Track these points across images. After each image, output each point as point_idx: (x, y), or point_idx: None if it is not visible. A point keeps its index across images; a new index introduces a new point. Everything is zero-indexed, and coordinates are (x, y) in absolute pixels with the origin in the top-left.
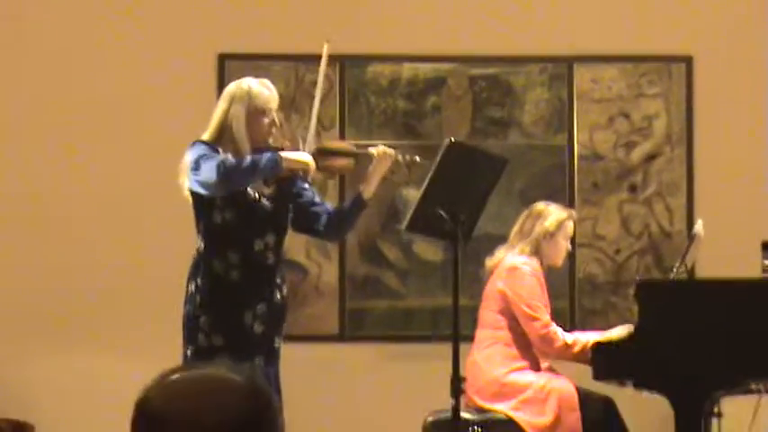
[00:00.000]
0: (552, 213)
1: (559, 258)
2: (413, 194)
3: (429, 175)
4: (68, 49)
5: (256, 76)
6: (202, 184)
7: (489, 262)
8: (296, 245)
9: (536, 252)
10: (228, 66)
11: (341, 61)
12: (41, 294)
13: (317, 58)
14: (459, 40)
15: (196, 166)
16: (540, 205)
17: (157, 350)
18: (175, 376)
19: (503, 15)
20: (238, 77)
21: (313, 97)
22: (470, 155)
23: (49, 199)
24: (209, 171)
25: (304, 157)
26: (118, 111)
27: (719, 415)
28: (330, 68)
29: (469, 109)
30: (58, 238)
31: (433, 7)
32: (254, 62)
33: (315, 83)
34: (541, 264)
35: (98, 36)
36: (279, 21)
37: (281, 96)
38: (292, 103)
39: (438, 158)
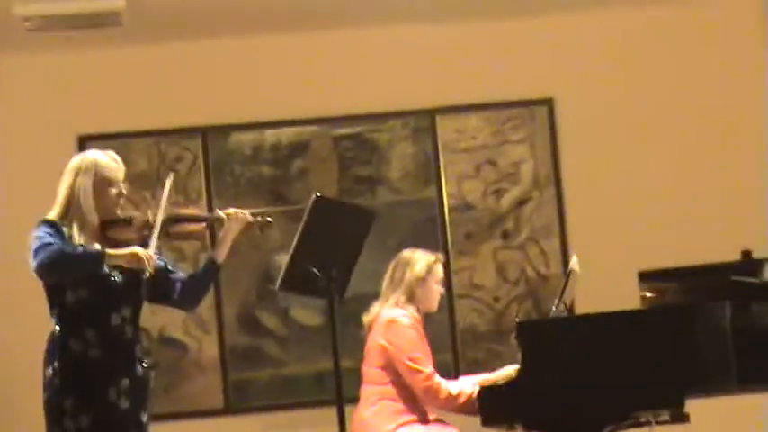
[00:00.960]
0: (420, 259)
1: (434, 303)
2: (286, 260)
3: (298, 232)
4: None
5: (118, 153)
6: (35, 271)
7: (366, 317)
8: (174, 321)
9: (411, 300)
10: (90, 146)
11: (203, 132)
12: None
13: (179, 131)
14: (320, 101)
15: (32, 253)
16: (407, 253)
17: None
18: None
19: (363, 73)
20: None
21: (168, 194)
22: (338, 209)
23: None
24: (35, 260)
25: (134, 249)
26: None
27: None
28: (191, 141)
29: (336, 169)
30: None
31: (291, 71)
32: (115, 141)
33: (178, 157)
34: (418, 310)
35: None
36: (137, 98)
37: (144, 172)
38: (157, 178)
39: (306, 214)
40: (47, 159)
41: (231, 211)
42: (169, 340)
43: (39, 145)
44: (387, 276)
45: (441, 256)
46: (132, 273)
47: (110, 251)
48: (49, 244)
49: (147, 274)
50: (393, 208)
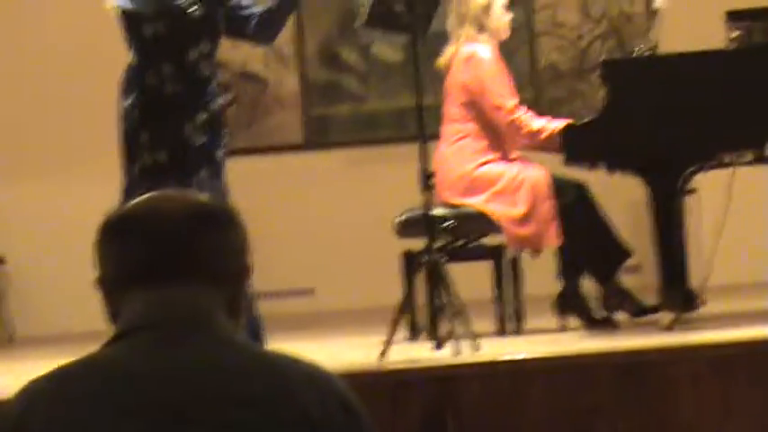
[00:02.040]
0: None
1: (505, 29)
2: None
3: None
4: None
5: None
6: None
7: (442, 60)
8: (254, 55)
9: (480, 31)
10: None
11: None
12: (6, 126)
13: None
14: None
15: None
16: None
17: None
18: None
19: None
20: None
21: None
22: None
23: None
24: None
25: None
26: None
27: (693, 191)
28: None
29: None
30: (22, 70)
31: None
32: None
33: None
34: (491, 40)
35: None
36: None
37: None
38: None
39: None
40: None
41: None
42: (250, 75)
43: None
44: (451, 15)
45: None
46: (210, 6)
47: None
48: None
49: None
50: None
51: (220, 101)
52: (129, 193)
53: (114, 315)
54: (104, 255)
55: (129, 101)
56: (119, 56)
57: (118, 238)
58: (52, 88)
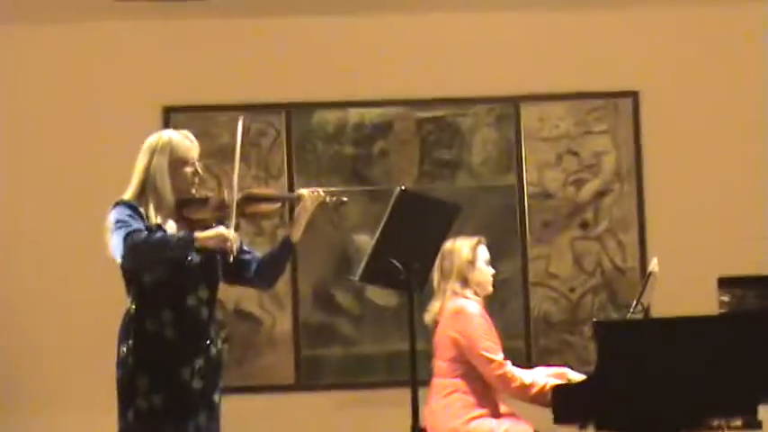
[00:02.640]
0: (463, 244)
1: (487, 285)
2: (365, 240)
3: (381, 225)
4: (14, 100)
5: (201, 126)
6: (119, 257)
7: (428, 316)
8: (249, 295)
9: (465, 285)
10: (174, 118)
11: (287, 109)
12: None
13: (263, 107)
14: (405, 83)
15: (113, 235)
16: (448, 243)
17: (100, 409)
18: None
19: (448, 58)
20: (182, 128)
21: (242, 150)
22: (422, 203)
23: None
24: (117, 245)
25: (220, 231)
26: (61, 161)
27: None
28: (274, 116)
29: (417, 152)
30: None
31: (376, 53)
32: (199, 113)
33: (261, 132)
34: (476, 295)
35: (44, 88)
36: (223, 72)
37: (227, 146)
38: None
39: (389, 208)
40: (132, 129)
41: (305, 190)
42: (244, 314)
43: (124, 115)
44: (436, 271)
45: (482, 238)
46: (209, 254)
47: (199, 234)
48: (136, 230)
49: (232, 258)
50: (473, 193)
51: (219, 345)
52: None
53: None
54: None
55: (125, 347)
56: (113, 298)
57: None
58: (51, 327)
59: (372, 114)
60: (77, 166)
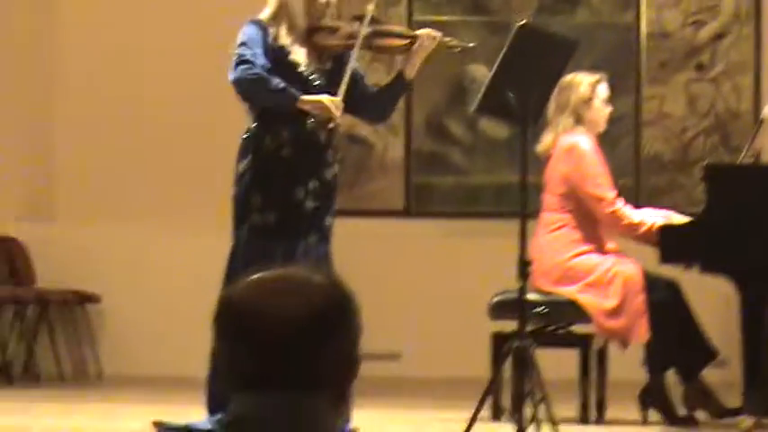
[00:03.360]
0: (583, 80)
1: (602, 122)
2: (480, 72)
3: (499, 58)
4: None
5: None
6: (230, 81)
7: (540, 147)
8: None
9: (578, 122)
10: None
11: None
12: (107, 169)
13: None
14: None
15: (233, 63)
16: (569, 77)
17: (217, 225)
18: (258, 275)
19: None
20: None
21: None
22: (540, 37)
23: (115, 83)
24: (233, 70)
25: (323, 99)
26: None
27: None
28: None
29: None
30: (124, 117)
31: None
32: None
33: None
34: (590, 133)
35: None
36: None
37: None
38: None
39: (508, 41)
40: None
41: (426, 30)
42: (357, 138)
43: None
44: (552, 103)
45: (604, 75)
46: (333, 76)
47: (304, 97)
48: (253, 64)
49: (332, 125)
50: (591, 29)
51: (335, 169)
52: (235, 253)
53: (225, 376)
54: (220, 345)
55: (243, 164)
56: (224, 109)
57: (232, 338)
58: (159, 135)
59: None
60: None
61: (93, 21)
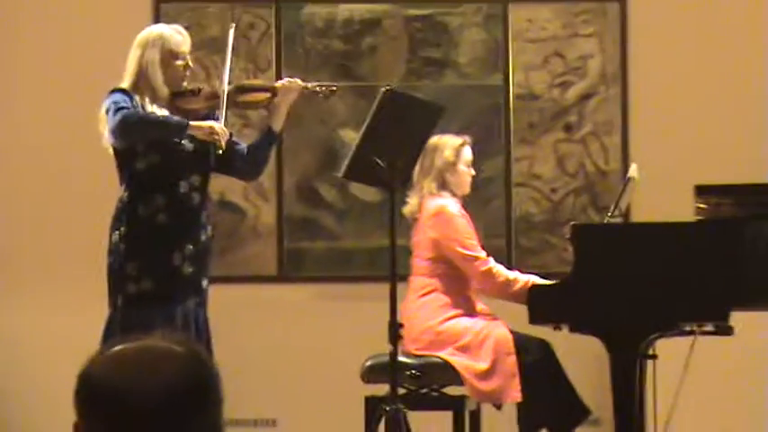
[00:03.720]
0: (447, 143)
1: (466, 186)
2: (350, 136)
3: (365, 124)
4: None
5: (191, 17)
6: (110, 132)
7: (406, 210)
8: (234, 186)
9: (443, 186)
10: (164, 9)
11: (276, 3)
12: None
13: None
14: None
15: (109, 115)
16: (434, 139)
17: (83, 298)
18: (117, 347)
19: None
20: (173, 20)
21: (232, 47)
22: (407, 102)
23: None
24: (113, 121)
25: (211, 124)
26: (53, 56)
27: (654, 356)
28: (264, 9)
29: (405, 49)
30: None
31: None
32: (189, 4)
33: (251, 25)
34: (454, 195)
35: None
36: None
37: (216, 38)
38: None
39: (374, 106)
40: (122, 20)
41: (286, 80)
42: (228, 205)
43: (114, 6)
44: (417, 166)
45: (468, 138)
46: (203, 141)
47: (193, 123)
48: (128, 108)
49: (220, 151)
50: (459, 92)
51: (209, 231)
52: (110, 325)
53: None
54: (81, 422)
55: (117, 234)
56: (107, 180)
57: (91, 416)
58: (32, 203)
59: (362, 10)
60: (70, 58)
61: None
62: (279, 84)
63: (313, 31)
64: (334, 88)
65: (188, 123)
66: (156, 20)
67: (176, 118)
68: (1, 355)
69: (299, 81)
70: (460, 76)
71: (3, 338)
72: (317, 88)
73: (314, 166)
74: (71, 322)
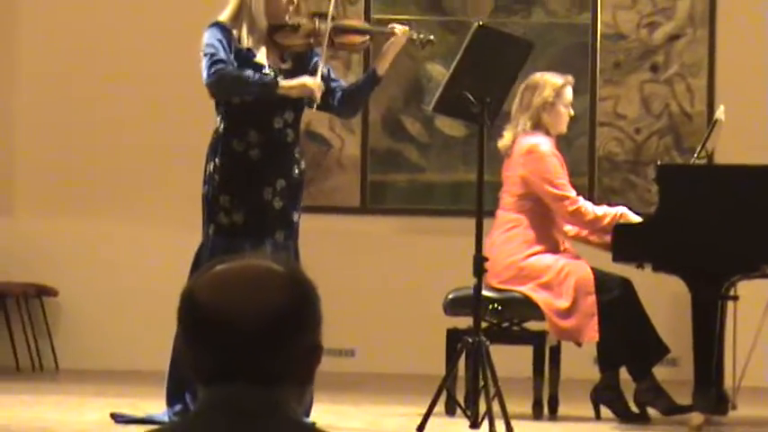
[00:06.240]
0: (548, 82)
1: (562, 126)
2: (437, 70)
3: (456, 58)
4: None
5: None
6: (204, 83)
7: (501, 143)
8: (319, 118)
9: (538, 123)
10: None
11: None
12: (64, 163)
13: None
14: None
15: (204, 63)
16: (536, 76)
17: (176, 221)
18: (219, 269)
19: None
20: None
21: None
22: (497, 38)
23: (76, 75)
24: (207, 74)
25: (305, 80)
26: None
27: (735, 298)
28: None
29: None
30: (83, 111)
31: None
32: None
33: None
34: (548, 133)
35: None
36: None
37: None
38: None
39: (465, 42)
40: None
41: (396, 26)
42: (314, 135)
43: None
44: (516, 99)
45: (570, 78)
46: (298, 76)
47: (283, 83)
48: (225, 62)
49: (315, 107)
50: (546, 30)
51: (301, 167)
52: (202, 250)
53: (190, 369)
54: (184, 339)
55: (212, 165)
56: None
57: (194, 333)
58: (117, 131)
59: None
60: None
61: (53, 18)
62: (391, 28)
63: None
64: (432, 38)
65: (277, 83)
66: None
67: (267, 78)
68: (83, 270)
69: (407, 28)
70: (548, 13)
71: (104, 262)
72: (421, 39)
73: (400, 99)
74: (149, 241)
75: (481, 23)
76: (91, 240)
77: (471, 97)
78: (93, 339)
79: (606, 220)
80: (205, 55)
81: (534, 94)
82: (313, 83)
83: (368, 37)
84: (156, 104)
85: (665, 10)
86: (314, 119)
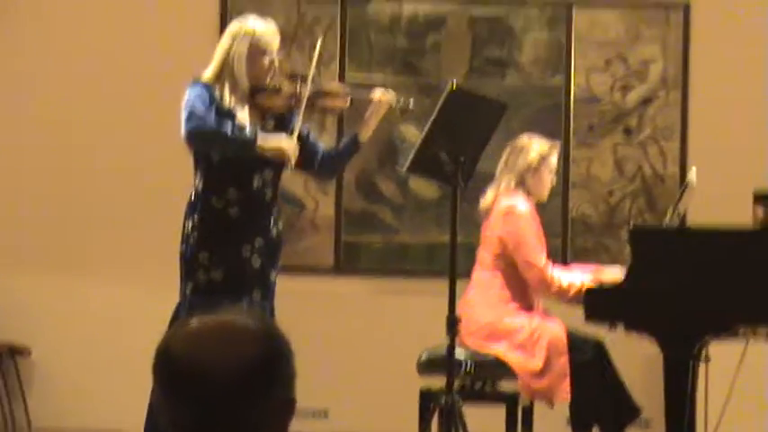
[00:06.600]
0: (534, 147)
1: (544, 193)
2: (410, 131)
3: (430, 119)
4: None
5: (259, 10)
6: (183, 137)
7: (483, 203)
8: (293, 179)
9: (520, 186)
10: (231, 0)
11: None
12: (40, 219)
13: None
14: None
15: (184, 116)
16: (524, 139)
17: (152, 280)
18: (194, 324)
19: None
20: (240, 12)
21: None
22: (471, 100)
23: (52, 127)
24: (186, 127)
25: (282, 144)
26: (122, 48)
27: (707, 359)
28: (330, 5)
29: (468, 48)
30: (59, 166)
31: None
32: None
33: (316, 19)
34: (529, 196)
35: None
36: None
37: (281, 32)
38: (293, 39)
39: (440, 103)
40: (190, 11)
41: (379, 92)
42: (288, 196)
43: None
44: (501, 161)
45: (557, 144)
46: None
47: (261, 142)
48: (204, 118)
49: (289, 170)
50: (520, 92)
51: (279, 226)
52: (178, 311)
53: (165, 426)
54: (159, 395)
55: (190, 223)
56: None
57: (169, 388)
58: (91, 186)
59: (426, 8)
60: (136, 51)
61: (19, 69)
62: (372, 95)
63: (378, 28)
64: (411, 105)
65: (256, 142)
66: (224, 8)
67: (246, 136)
68: (56, 328)
69: (390, 95)
70: (522, 76)
71: (78, 320)
72: (397, 105)
73: (374, 160)
74: (123, 299)
75: (455, 85)
76: (64, 298)
77: (446, 157)
78: (67, 399)
79: (572, 293)
80: (185, 110)
81: (519, 157)
82: (288, 146)
83: (349, 100)
84: (132, 163)
85: (638, 73)
86: (287, 179)
